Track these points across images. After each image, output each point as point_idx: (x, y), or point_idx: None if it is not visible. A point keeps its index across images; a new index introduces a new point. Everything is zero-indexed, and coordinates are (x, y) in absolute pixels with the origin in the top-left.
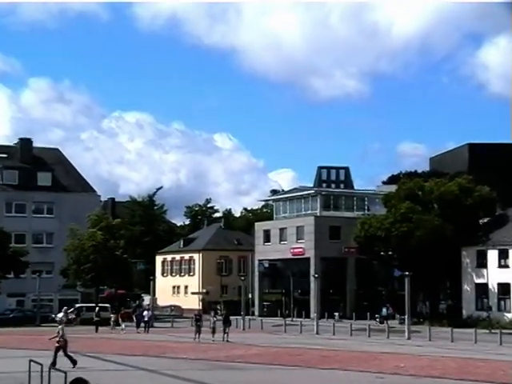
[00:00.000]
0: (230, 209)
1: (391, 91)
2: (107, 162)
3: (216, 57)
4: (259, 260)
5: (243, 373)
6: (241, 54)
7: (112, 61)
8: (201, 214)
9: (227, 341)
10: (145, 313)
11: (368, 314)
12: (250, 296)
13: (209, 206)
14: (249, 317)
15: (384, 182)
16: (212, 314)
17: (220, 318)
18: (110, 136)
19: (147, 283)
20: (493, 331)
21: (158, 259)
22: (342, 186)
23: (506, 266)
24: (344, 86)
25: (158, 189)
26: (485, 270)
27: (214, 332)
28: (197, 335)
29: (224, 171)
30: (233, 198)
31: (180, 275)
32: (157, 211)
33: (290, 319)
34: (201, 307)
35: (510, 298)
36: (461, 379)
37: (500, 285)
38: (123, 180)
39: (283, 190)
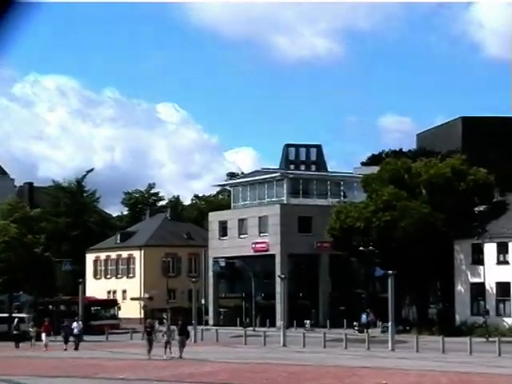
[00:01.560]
0: (178, 196)
1: (369, 52)
2: (22, 137)
3: (157, 9)
4: (214, 258)
5: None
6: (187, 5)
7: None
8: (142, 203)
9: (180, 357)
10: (74, 324)
11: (345, 321)
12: (203, 302)
13: (152, 192)
14: (202, 327)
15: (363, 163)
16: (164, 324)
17: (172, 328)
18: (24, 105)
19: (75, 287)
20: (490, 340)
21: (89, 258)
22: (313, 167)
23: (506, 263)
24: (313, 46)
25: (89, 171)
26: (481, 268)
27: (166, 347)
28: (149, 352)
29: (170, 150)
30: (181, 182)
31: (116, 277)
32: (87, 199)
33: (251, 329)
34: (142, 316)
35: (510, 300)
36: None
37: (499, 284)
38: (43, 160)
39: (242, 173)
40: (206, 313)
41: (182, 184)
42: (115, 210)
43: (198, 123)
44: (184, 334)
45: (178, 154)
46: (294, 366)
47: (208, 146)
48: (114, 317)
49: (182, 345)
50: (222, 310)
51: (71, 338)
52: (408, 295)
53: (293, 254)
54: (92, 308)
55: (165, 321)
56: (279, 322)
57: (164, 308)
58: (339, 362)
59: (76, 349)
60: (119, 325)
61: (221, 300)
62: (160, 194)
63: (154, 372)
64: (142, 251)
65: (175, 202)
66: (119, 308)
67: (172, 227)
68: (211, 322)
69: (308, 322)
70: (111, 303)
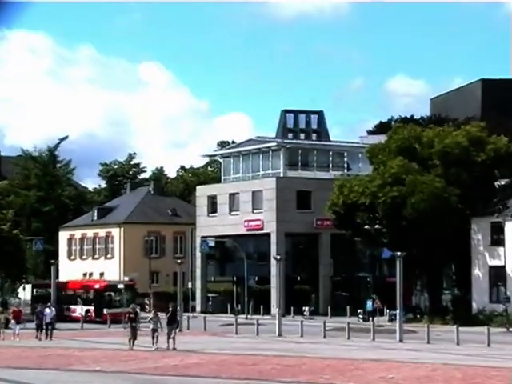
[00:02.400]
0: (162, 167)
1: (378, 7)
2: None
3: None
4: (202, 237)
5: None
6: None
7: None
8: (121, 175)
9: (174, 348)
10: (46, 311)
11: (348, 308)
12: (189, 286)
13: (132, 163)
14: (188, 314)
15: (370, 132)
16: (147, 311)
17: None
18: None
19: (47, 269)
20: (511, 330)
21: (63, 236)
22: (313, 136)
23: None
24: None
25: (62, 139)
26: (501, 249)
27: (154, 336)
28: (131, 341)
29: (153, 116)
30: (166, 152)
31: (93, 258)
32: (60, 170)
33: (243, 316)
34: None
35: None
36: None
37: None
38: (10, 127)
39: (234, 142)
40: (193, 298)
41: (166, 154)
42: (92, 182)
43: (185, 86)
44: (175, 323)
45: (163, 120)
46: (290, 358)
47: (196, 111)
48: (131, 303)
49: (172, 335)
50: (210, 295)
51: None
52: (419, 280)
53: (290, 232)
54: (105, 293)
55: (147, 307)
56: (274, 309)
57: (146, 293)
58: (340, 354)
59: (50, 338)
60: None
61: (209, 284)
62: (142, 166)
63: (133, 364)
64: (122, 229)
65: (159, 174)
66: (137, 293)
67: (155, 202)
68: (199, 308)
69: (307, 309)
70: (129, 287)
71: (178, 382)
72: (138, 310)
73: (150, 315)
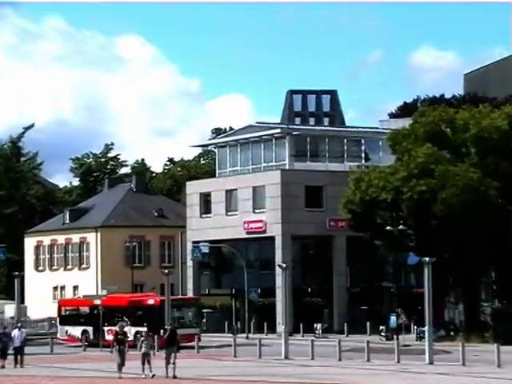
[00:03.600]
0: (144, 160)
1: None
2: None
3: None
4: (194, 242)
5: None
6: None
7: None
8: (98, 170)
9: (174, 376)
10: (14, 333)
11: (368, 325)
12: None
13: (110, 155)
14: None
15: (392, 115)
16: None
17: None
18: None
19: (10, 282)
20: None
21: (29, 243)
22: (325, 121)
23: None
24: None
25: (27, 128)
26: None
27: (144, 362)
28: (120, 367)
29: (134, 98)
30: (150, 142)
31: (65, 269)
32: (25, 165)
33: (243, 336)
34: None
35: None
36: None
37: None
38: None
39: (231, 129)
40: None
41: (150, 145)
42: (63, 179)
43: (172, 63)
44: (174, 345)
45: (146, 103)
46: None
47: (186, 92)
48: (195, 322)
49: (172, 359)
50: (205, 310)
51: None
52: (452, 290)
53: (298, 235)
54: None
55: (125, 324)
56: (280, 327)
57: None
58: (359, 380)
59: (21, 365)
60: (197, 335)
61: (203, 298)
62: (122, 159)
63: None
64: (99, 234)
65: (142, 168)
66: (202, 310)
67: (138, 202)
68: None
69: (319, 326)
70: (192, 303)
71: None
72: (126, 329)
73: (141, 337)
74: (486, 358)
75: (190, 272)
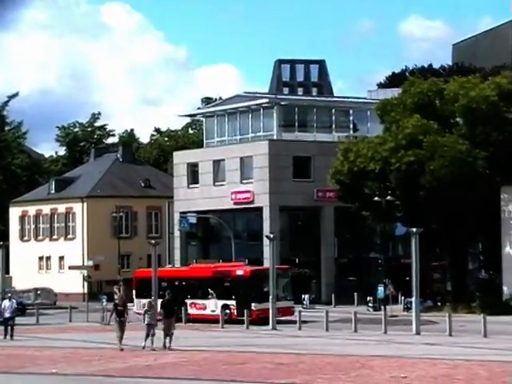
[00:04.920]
0: (133, 130)
1: None
2: None
3: None
4: (181, 213)
5: None
6: None
7: None
8: (84, 139)
9: (170, 348)
10: (4, 303)
11: (355, 295)
12: None
13: (97, 125)
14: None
15: (380, 85)
16: (146, 303)
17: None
18: None
19: None
20: None
21: (14, 213)
22: (313, 91)
23: None
24: None
25: (11, 97)
26: None
27: (149, 334)
28: (121, 338)
29: (120, 67)
30: (137, 111)
31: (51, 239)
32: (10, 134)
33: None
34: (86, 290)
35: None
36: None
37: None
38: None
39: (220, 99)
40: None
41: (137, 114)
42: (48, 149)
43: (158, 30)
44: (173, 315)
45: (132, 72)
46: (285, 355)
47: (173, 61)
48: (288, 294)
49: (171, 330)
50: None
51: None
52: (439, 261)
53: (286, 206)
54: (254, 282)
55: (116, 296)
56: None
57: (115, 280)
58: (346, 350)
59: (11, 337)
60: (292, 308)
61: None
62: (108, 128)
63: (98, 364)
64: (85, 204)
65: (129, 138)
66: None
67: (125, 172)
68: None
69: (306, 297)
70: (284, 273)
71: None
72: (126, 300)
73: (145, 307)
74: (472, 328)
75: (177, 243)
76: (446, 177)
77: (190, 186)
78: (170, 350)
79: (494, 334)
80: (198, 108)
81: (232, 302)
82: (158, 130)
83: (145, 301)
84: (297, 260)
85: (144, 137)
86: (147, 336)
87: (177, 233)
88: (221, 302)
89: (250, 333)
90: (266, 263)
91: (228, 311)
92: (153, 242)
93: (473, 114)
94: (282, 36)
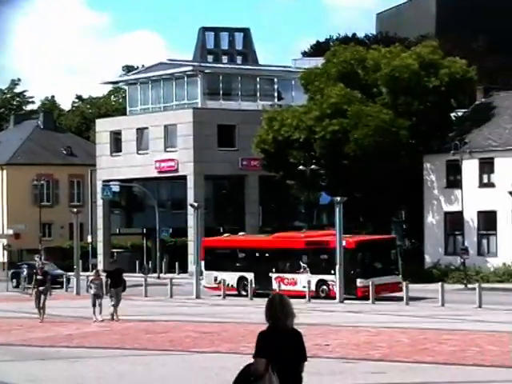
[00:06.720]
0: (54, 97)
1: None
2: None
3: None
4: (104, 181)
5: (58, 365)
6: None
7: None
8: (3, 106)
9: (115, 318)
10: None
11: None
12: (89, 240)
13: (17, 91)
14: (88, 273)
15: (304, 54)
16: (94, 271)
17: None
18: None
19: None
20: (470, 286)
21: None
22: (238, 59)
23: (491, 185)
24: None
25: None
26: (458, 192)
27: (95, 304)
28: (41, 310)
29: (40, 33)
30: (58, 78)
31: None
32: None
33: (155, 275)
34: (6, 259)
35: (495, 235)
36: (413, 361)
37: (481, 214)
38: None
39: (143, 66)
40: (94, 255)
41: (58, 81)
42: None
43: None
44: (120, 285)
45: (53, 39)
46: (209, 324)
47: (94, 27)
48: (395, 267)
49: (117, 301)
50: (115, 250)
51: None
52: (363, 229)
53: (210, 175)
54: (358, 254)
55: (37, 264)
56: (192, 267)
57: (36, 249)
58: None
59: None
60: (400, 284)
61: (114, 238)
62: (28, 95)
63: (18, 334)
64: (4, 172)
65: (50, 105)
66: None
67: (46, 139)
68: (101, 266)
69: None
70: (388, 243)
71: (71, 354)
72: (43, 266)
73: (91, 276)
74: (394, 296)
75: (100, 211)
76: (370, 146)
77: (113, 154)
78: (118, 321)
79: (415, 301)
80: (119, 76)
81: (331, 278)
82: (79, 98)
83: (217, 273)
84: (221, 229)
85: (66, 104)
86: (94, 306)
87: (99, 201)
88: (316, 278)
89: (173, 301)
90: (191, 232)
91: (325, 287)
92: (75, 210)
93: (395, 83)
94: (206, 3)
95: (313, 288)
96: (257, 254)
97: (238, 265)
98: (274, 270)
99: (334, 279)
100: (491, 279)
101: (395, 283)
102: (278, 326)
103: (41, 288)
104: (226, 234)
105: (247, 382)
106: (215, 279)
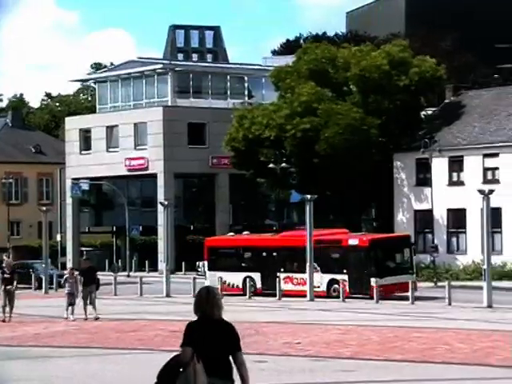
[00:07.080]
0: (23, 95)
1: None
2: None
3: None
4: (73, 179)
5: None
6: None
7: None
8: None
9: (97, 318)
10: None
11: None
12: (58, 238)
13: None
14: (57, 272)
15: (275, 52)
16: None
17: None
18: None
19: None
20: (439, 284)
21: None
22: (208, 57)
23: (460, 183)
24: None
25: None
26: (428, 190)
27: (70, 303)
28: (5, 309)
29: (10, 30)
30: (26, 76)
31: None
32: None
33: (124, 274)
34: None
35: (465, 233)
36: (383, 359)
37: (451, 212)
38: None
39: (112, 64)
40: (63, 253)
41: (27, 79)
42: None
43: None
44: (93, 283)
45: (22, 36)
46: (179, 323)
47: (64, 25)
48: (409, 266)
49: (88, 301)
50: (84, 249)
51: None
52: (334, 227)
53: (180, 173)
54: (372, 253)
55: (4, 264)
56: (162, 265)
57: (4, 247)
58: (240, 316)
59: None
60: (415, 283)
61: (83, 236)
62: None
63: None
64: None
65: (18, 102)
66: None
67: (14, 137)
68: (70, 265)
69: (201, 264)
70: (402, 241)
71: (38, 353)
72: (12, 265)
73: (65, 274)
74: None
75: (69, 210)
76: (341, 144)
77: (83, 152)
78: (97, 319)
79: (385, 299)
80: (88, 73)
81: (343, 277)
82: (48, 95)
83: (221, 274)
84: (191, 227)
85: (34, 102)
86: (68, 305)
87: (69, 200)
88: (327, 277)
89: (143, 300)
90: (161, 230)
91: (337, 286)
92: (44, 208)
93: (365, 82)
94: (176, 1)
95: (324, 288)
96: (264, 254)
97: (243, 265)
98: (282, 269)
99: (347, 278)
100: (461, 277)
101: (407, 283)
102: (205, 317)
103: (8, 287)
104: (231, 234)
105: (174, 372)
106: (220, 279)
